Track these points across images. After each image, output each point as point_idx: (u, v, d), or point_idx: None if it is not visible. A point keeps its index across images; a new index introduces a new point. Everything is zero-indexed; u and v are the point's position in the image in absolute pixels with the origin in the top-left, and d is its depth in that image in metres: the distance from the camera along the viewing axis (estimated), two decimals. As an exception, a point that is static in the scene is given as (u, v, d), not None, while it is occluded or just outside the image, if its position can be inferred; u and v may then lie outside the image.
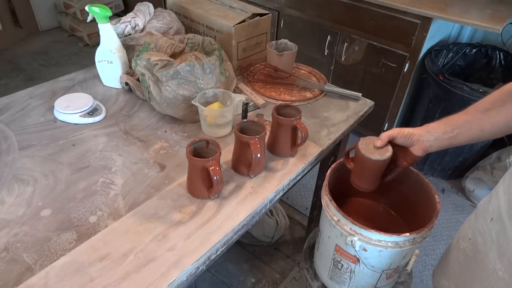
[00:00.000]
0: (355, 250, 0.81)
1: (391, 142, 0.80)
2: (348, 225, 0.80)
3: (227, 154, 0.90)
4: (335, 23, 2.04)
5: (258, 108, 1.11)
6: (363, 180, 0.87)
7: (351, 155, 0.90)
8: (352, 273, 0.89)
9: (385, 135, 0.79)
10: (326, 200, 0.86)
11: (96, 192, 0.81)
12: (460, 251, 0.77)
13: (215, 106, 0.97)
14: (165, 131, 1.01)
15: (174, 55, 1.05)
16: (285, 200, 1.92)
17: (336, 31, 2.05)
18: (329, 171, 0.90)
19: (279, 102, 1.10)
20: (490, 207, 0.69)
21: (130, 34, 1.19)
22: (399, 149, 0.81)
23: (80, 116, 1.01)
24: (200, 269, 0.70)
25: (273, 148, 0.94)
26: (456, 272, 0.78)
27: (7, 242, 0.70)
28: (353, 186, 0.89)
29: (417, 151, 0.78)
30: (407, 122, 2.19)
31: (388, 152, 0.79)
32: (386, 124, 2.12)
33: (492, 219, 0.67)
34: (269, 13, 1.24)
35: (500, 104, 0.67)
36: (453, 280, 0.79)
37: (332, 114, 1.10)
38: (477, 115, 0.71)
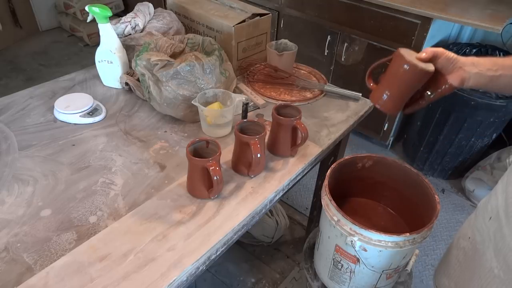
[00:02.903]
0: (355, 250, 0.81)
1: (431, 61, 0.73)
2: (348, 225, 0.80)
3: (227, 154, 0.90)
4: (335, 23, 2.04)
5: (258, 108, 1.11)
6: (391, 96, 0.76)
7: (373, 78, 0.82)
8: (352, 273, 0.89)
9: (430, 50, 0.72)
10: (326, 200, 0.86)
11: (96, 192, 0.81)
12: (460, 250, 0.77)
13: (215, 106, 0.97)
14: (165, 131, 1.01)
15: (174, 55, 1.05)
16: (285, 200, 1.92)
17: (336, 31, 2.05)
18: (329, 171, 0.90)
19: (279, 102, 1.10)
20: (489, 206, 0.69)
21: (130, 34, 1.19)
22: (435, 73, 0.72)
23: (80, 116, 1.01)
24: (200, 269, 0.70)
25: (273, 148, 0.94)
26: (456, 271, 0.78)
27: (7, 242, 0.70)
28: (376, 104, 0.79)
29: (454, 79, 0.70)
30: (407, 122, 2.19)
31: (431, 66, 0.71)
32: (386, 124, 2.12)
33: (490, 217, 0.68)
34: (269, 13, 1.24)
35: None
36: (453, 279, 0.79)
37: (332, 114, 1.10)
38: None
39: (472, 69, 0.69)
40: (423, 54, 0.72)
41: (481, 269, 0.68)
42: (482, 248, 0.69)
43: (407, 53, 0.72)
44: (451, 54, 0.71)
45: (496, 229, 0.65)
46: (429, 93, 0.74)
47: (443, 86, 0.72)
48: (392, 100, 0.76)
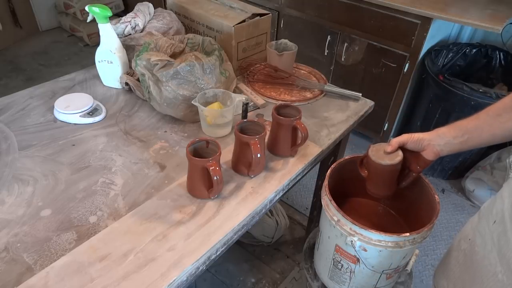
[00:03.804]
0: (355, 250, 0.81)
1: (402, 147, 0.81)
2: (348, 225, 0.80)
3: (227, 154, 0.90)
4: (335, 23, 2.04)
5: (258, 108, 1.11)
6: (378, 187, 0.88)
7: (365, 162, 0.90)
8: (352, 273, 0.89)
9: (395, 141, 0.80)
10: (326, 200, 0.86)
11: (96, 192, 0.81)
12: (461, 252, 0.77)
13: (215, 106, 0.97)
14: (165, 131, 1.01)
15: (174, 55, 1.05)
16: (285, 200, 1.92)
17: (336, 31, 2.05)
18: (329, 171, 0.90)
19: (279, 102, 1.10)
20: (494, 209, 0.69)
21: (130, 34, 1.19)
22: (411, 154, 0.81)
23: (80, 116, 1.01)
24: (200, 269, 0.70)
25: (273, 148, 0.94)
26: (455, 273, 0.78)
27: (7, 242, 0.70)
28: (370, 194, 0.90)
29: (428, 155, 0.78)
30: (407, 122, 2.19)
31: (398, 156, 0.79)
32: (386, 124, 2.12)
33: (494, 221, 0.67)
34: (269, 13, 1.24)
35: (510, 109, 0.68)
36: (452, 281, 0.78)
37: (332, 114, 1.10)
38: (488, 120, 0.71)
39: (440, 142, 0.76)
40: (388, 148, 0.80)
41: (483, 273, 0.68)
42: (482, 251, 0.68)
43: (375, 151, 0.81)
44: (416, 136, 0.78)
45: (500, 233, 0.65)
46: (417, 167, 0.82)
47: (423, 161, 0.80)
48: (380, 188, 0.88)
